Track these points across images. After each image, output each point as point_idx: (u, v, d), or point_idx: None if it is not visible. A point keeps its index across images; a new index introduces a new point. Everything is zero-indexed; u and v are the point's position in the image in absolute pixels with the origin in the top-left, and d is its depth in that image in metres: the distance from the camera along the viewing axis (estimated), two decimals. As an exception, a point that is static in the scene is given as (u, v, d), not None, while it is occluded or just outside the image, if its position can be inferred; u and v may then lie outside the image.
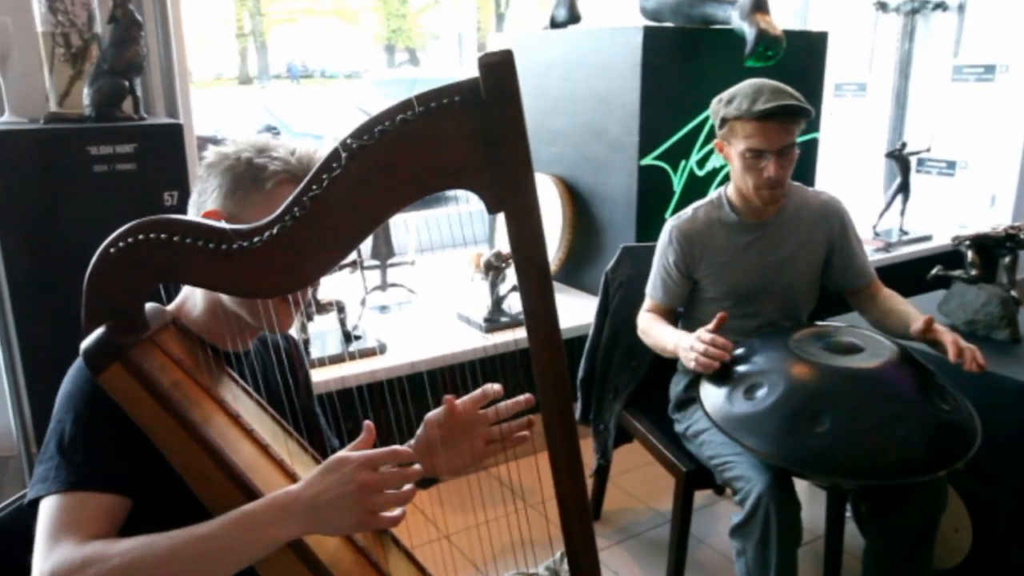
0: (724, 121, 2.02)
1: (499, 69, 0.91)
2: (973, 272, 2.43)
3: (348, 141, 0.93)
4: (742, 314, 2.11)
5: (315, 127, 7.20)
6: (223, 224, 0.98)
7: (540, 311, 0.99)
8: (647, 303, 2.23)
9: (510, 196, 0.95)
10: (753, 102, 1.94)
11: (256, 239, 0.96)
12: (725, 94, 2.04)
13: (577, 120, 3.29)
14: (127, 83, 2.20)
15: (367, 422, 1.04)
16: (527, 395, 1.25)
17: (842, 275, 2.19)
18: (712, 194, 2.19)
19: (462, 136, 0.93)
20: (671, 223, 2.16)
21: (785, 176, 2.01)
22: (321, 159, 0.94)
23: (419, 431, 1.32)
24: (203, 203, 1.14)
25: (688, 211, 2.17)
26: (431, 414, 1.31)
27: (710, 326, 1.90)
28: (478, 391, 1.30)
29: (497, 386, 1.29)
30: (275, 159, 1.13)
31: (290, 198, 0.95)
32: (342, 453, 1.00)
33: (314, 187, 0.94)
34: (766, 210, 2.10)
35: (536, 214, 0.96)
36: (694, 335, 1.91)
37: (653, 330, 2.16)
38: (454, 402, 1.29)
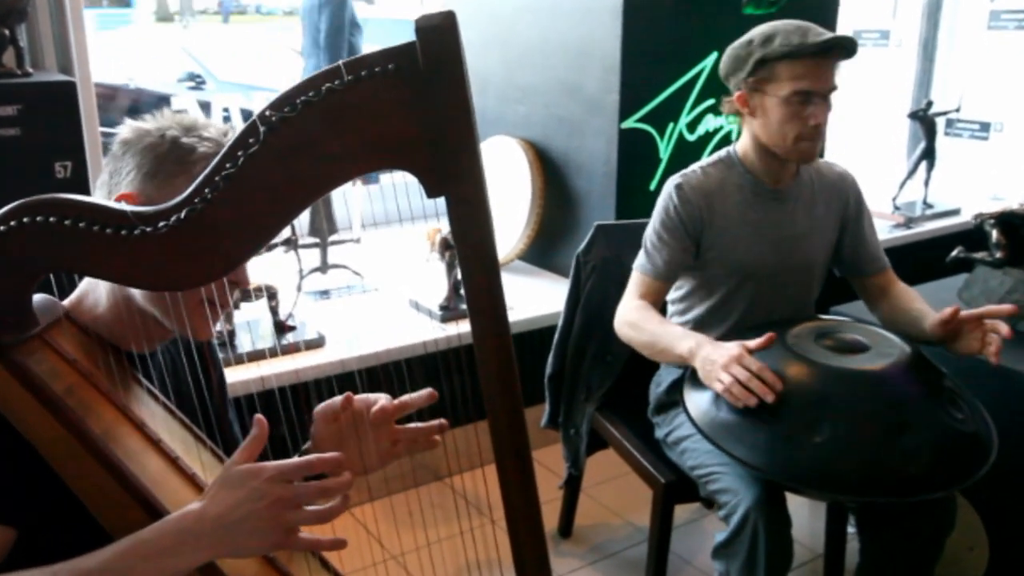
0: (762, 64, 1.99)
1: (439, 33, 0.94)
2: (998, 254, 2.47)
3: (267, 113, 0.95)
4: (748, 298, 2.15)
5: (246, 75, 7.13)
6: (123, 206, 1.00)
7: (487, 309, 1.02)
8: (635, 286, 2.14)
9: (452, 179, 0.99)
10: (804, 36, 1.95)
11: (161, 224, 0.97)
12: (755, 35, 2.02)
13: (549, 74, 3.31)
14: (7, 32, 2.18)
15: (257, 415, 1.06)
16: (429, 389, 1.33)
17: (853, 258, 2.23)
18: (719, 153, 2.19)
19: (396, 110, 0.95)
20: (674, 180, 2.14)
21: (826, 126, 2.04)
22: None
23: (312, 428, 1.36)
24: (116, 184, 1.15)
25: (694, 168, 2.17)
26: (320, 407, 1.36)
27: (757, 342, 1.81)
28: (397, 400, 1.33)
29: (425, 392, 1.33)
30: (205, 139, 1.14)
31: (200, 177, 0.97)
32: (251, 464, 1.02)
33: (228, 165, 0.96)
34: (785, 174, 2.13)
35: (483, 199, 1.00)
36: (732, 348, 1.79)
37: (648, 324, 2.04)
38: (351, 398, 1.33)
